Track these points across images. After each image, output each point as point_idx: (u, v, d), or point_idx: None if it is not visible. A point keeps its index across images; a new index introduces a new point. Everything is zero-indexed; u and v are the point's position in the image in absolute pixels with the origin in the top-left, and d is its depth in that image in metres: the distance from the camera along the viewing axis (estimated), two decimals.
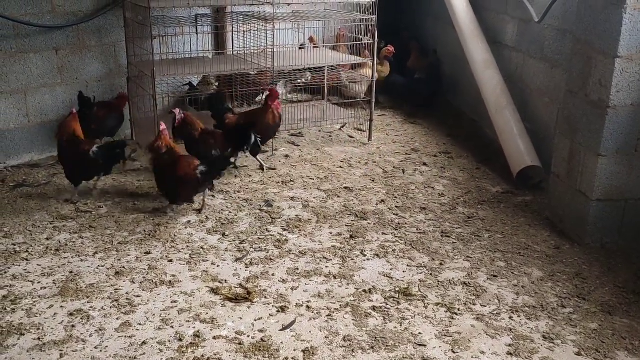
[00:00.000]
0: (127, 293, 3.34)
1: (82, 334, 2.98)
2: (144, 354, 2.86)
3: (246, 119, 5.08)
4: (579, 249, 3.94)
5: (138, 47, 5.34)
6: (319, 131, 6.24)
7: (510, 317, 3.20)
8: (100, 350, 2.87)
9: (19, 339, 2.94)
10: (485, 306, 3.30)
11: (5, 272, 3.51)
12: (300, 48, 6.72)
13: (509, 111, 5.27)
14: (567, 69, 4.31)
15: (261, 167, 5.18)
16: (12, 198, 4.49)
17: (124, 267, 3.59)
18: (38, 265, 3.60)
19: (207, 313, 3.17)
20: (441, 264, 3.72)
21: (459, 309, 3.26)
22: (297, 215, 4.32)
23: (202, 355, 2.85)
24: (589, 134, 3.90)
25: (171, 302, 3.27)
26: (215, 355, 2.86)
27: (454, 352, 2.92)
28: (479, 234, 4.13)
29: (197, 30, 6.12)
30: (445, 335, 3.04)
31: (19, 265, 3.59)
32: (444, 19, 6.65)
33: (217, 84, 6.19)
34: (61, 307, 3.20)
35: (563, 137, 4.20)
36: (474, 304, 3.31)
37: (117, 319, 3.11)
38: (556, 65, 4.91)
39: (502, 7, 5.79)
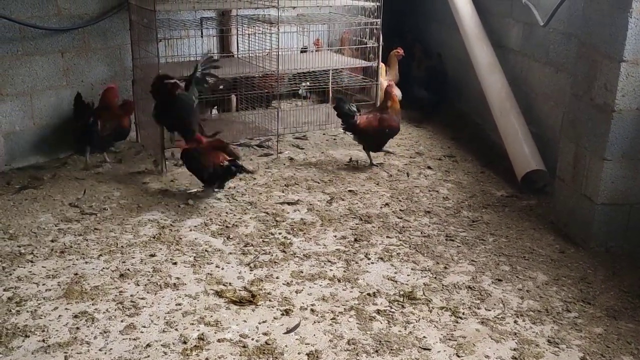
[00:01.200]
0: (131, 295, 3.34)
1: (86, 336, 2.99)
2: (148, 356, 2.86)
3: (381, 122, 5.27)
4: (584, 253, 3.93)
5: (143, 50, 5.35)
6: (324, 134, 6.24)
7: (515, 321, 3.19)
8: (105, 353, 2.87)
9: (23, 340, 2.94)
10: (489, 310, 3.29)
11: (10, 274, 3.52)
12: (302, 51, 6.72)
13: (514, 115, 5.27)
14: (572, 72, 4.30)
15: (371, 163, 5.41)
16: (18, 200, 4.51)
17: (128, 270, 3.59)
18: (43, 267, 3.61)
19: (211, 316, 3.17)
20: (445, 268, 3.71)
21: (463, 313, 3.25)
22: (301, 219, 4.32)
23: (207, 358, 2.85)
24: (594, 138, 3.89)
25: (175, 304, 3.27)
26: (220, 358, 2.86)
27: (458, 357, 2.91)
28: (483, 237, 4.12)
29: (202, 33, 6.13)
30: (449, 339, 3.03)
31: (24, 267, 3.60)
32: (448, 22, 6.65)
33: (222, 87, 6.20)
34: (66, 309, 3.20)
35: (568, 141, 4.19)
36: (478, 308, 3.30)
37: (122, 321, 3.11)
38: (561, 69, 4.91)
39: (507, 11, 5.79)
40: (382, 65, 6.23)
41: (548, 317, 3.24)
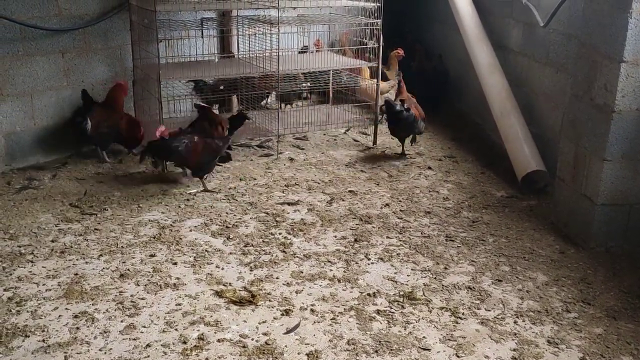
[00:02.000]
0: (131, 295, 3.34)
1: (86, 336, 2.99)
2: (148, 356, 2.86)
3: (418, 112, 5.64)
4: (584, 253, 3.93)
5: (144, 50, 5.36)
6: (324, 135, 6.25)
7: (515, 322, 3.20)
8: (105, 353, 2.88)
9: (23, 340, 2.95)
10: (489, 310, 3.29)
11: (11, 274, 3.53)
12: (301, 52, 6.72)
13: (514, 115, 5.27)
14: (572, 73, 4.30)
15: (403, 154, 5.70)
16: (18, 200, 4.51)
17: (128, 270, 3.60)
18: (43, 267, 3.62)
19: (211, 316, 3.17)
20: (445, 268, 3.72)
21: (463, 313, 3.25)
22: (301, 219, 4.33)
23: (207, 358, 2.85)
24: (594, 138, 3.89)
25: (175, 304, 3.27)
26: (220, 358, 2.86)
27: (458, 357, 2.91)
28: (483, 238, 4.12)
29: (202, 34, 6.14)
30: (449, 340, 3.04)
31: (24, 267, 3.61)
32: (448, 22, 6.66)
33: (222, 87, 6.21)
34: (66, 309, 3.21)
35: (568, 141, 4.19)
36: (478, 308, 3.30)
37: (122, 321, 3.11)
38: (561, 69, 4.91)
39: (507, 11, 5.80)
40: (364, 68, 6.37)
41: (548, 318, 3.24)
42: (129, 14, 5.47)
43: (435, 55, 7.32)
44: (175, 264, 3.69)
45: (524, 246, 4.02)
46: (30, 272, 3.56)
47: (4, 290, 3.36)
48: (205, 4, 5.47)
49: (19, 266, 3.62)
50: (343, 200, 4.67)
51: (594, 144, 3.89)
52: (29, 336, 2.98)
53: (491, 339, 3.05)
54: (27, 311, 3.18)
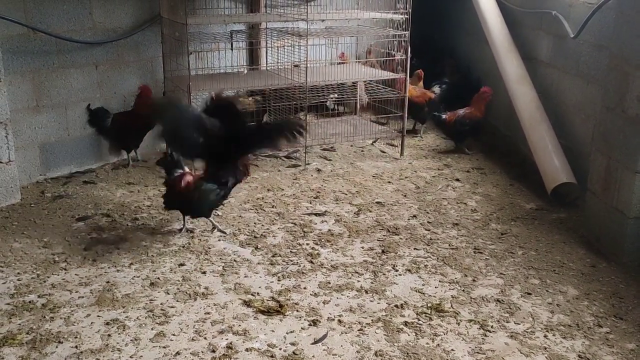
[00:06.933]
0: (161, 304, 3.39)
1: (117, 343, 3.04)
2: None
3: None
4: (616, 267, 3.86)
5: (174, 63, 5.46)
6: (351, 146, 6.27)
7: (545, 336, 3.16)
8: None
9: (57, 347, 3.01)
10: (519, 324, 3.26)
11: (45, 281, 3.61)
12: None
13: (544, 127, 5.22)
14: (603, 84, 4.26)
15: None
16: (52, 209, 4.61)
17: (158, 278, 3.65)
18: (76, 274, 3.69)
19: (239, 325, 3.20)
20: (474, 281, 3.69)
21: (492, 326, 3.22)
22: (329, 230, 4.34)
23: None
24: (625, 150, 3.84)
25: (204, 313, 3.31)
26: None
27: None
28: (512, 250, 4.09)
29: (232, 46, 6.22)
30: (478, 353, 3.01)
31: (58, 275, 3.69)
32: (477, 34, 6.63)
33: (251, 98, 6.28)
34: (98, 316, 3.27)
35: (599, 153, 4.14)
36: (507, 322, 3.27)
37: (152, 329, 3.16)
38: (592, 81, 4.86)
39: (536, 23, 5.76)
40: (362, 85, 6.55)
41: (579, 332, 3.19)
42: (160, 27, 5.58)
43: (464, 67, 7.30)
44: (204, 273, 3.73)
45: (554, 259, 3.97)
46: (63, 279, 3.64)
47: (39, 297, 3.44)
48: (235, 17, 5.55)
49: (52, 273, 3.70)
50: (370, 212, 4.67)
51: (626, 156, 3.83)
52: (62, 342, 3.04)
53: (521, 353, 3.01)
54: (61, 318, 3.25)
